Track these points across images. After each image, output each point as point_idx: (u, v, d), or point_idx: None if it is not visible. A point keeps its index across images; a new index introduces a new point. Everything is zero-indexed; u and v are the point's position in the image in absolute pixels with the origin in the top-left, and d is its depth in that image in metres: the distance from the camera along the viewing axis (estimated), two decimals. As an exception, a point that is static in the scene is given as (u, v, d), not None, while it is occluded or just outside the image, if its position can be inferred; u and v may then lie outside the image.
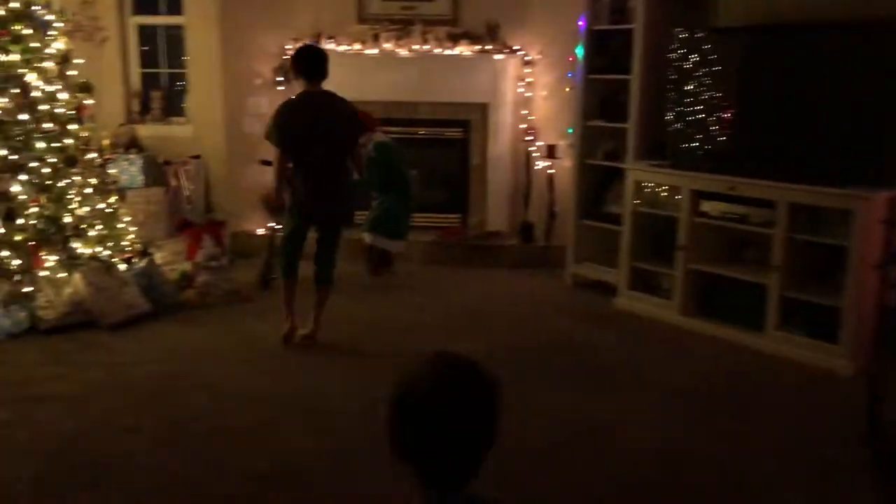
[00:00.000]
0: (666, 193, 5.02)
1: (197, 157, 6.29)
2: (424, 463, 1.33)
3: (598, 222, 5.63)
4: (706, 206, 4.72)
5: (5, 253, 4.52)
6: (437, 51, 6.27)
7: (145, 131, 6.45)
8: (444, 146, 6.70)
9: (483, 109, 6.46)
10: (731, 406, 3.83)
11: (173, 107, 6.64)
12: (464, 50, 6.26)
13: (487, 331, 4.78)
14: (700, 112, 4.78)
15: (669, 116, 4.93)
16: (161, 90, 6.58)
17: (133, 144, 6.36)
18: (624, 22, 5.32)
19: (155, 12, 6.56)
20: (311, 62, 4.28)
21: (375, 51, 6.33)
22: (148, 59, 6.64)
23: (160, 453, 3.23)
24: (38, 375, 3.98)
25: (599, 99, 5.59)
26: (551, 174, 6.09)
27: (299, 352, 4.38)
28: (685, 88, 4.83)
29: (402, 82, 6.41)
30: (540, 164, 6.30)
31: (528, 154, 6.32)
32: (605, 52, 5.49)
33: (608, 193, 5.63)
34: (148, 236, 5.90)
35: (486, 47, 6.24)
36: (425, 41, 6.29)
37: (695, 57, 4.76)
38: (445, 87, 6.40)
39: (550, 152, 6.04)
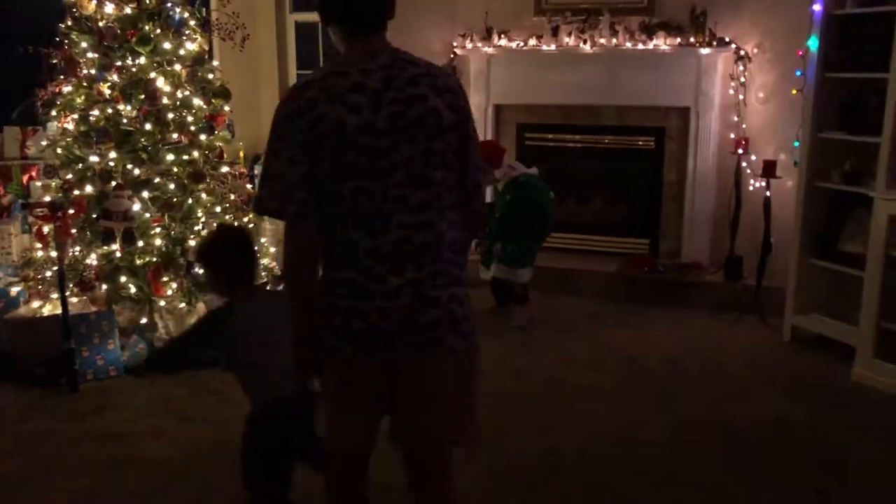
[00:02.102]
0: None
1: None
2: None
3: (829, 262, 4.36)
4: None
5: (123, 278, 4.08)
6: (628, 45, 5.24)
7: (299, 139, 5.93)
8: (632, 158, 5.66)
9: (683, 115, 5.35)
10: None
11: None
12: (661, 43, 5.18)
13: (672, 402, 3.73)
14: None
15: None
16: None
17: (286, 153, 5.86)
18: (879, 3, 4.04)
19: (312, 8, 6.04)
20: None
21: (553, 47, 5.40)
22: (306, 60, 6.14)
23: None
24: (138, 429, 3.45)
25: (839, 104, 4.32)
26: (768, 197, 4.87)
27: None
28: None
29: (584, 83, 5.46)
30: (754, 184, 5.11)
31: (739, 171, 5.14)
32: (851, 43, 4.22)
33: (845, 226, 4.35)
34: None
35: (689, 40, 5.13)
36: (614, 34, 5.28)
37: None
38: (636, 88, 5.36)
39: (768, 170, 4.82)
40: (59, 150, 4.19)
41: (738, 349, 4.43)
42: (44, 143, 4.24)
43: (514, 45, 5.53)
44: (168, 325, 4.10)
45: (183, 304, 4.12)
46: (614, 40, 5.27)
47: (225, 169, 4.40)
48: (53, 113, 4.23)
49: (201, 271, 4.09)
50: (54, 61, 4.09)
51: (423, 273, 1.88)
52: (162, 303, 4.11)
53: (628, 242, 5.69)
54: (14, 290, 4.25)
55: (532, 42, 5.47)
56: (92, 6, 4.02)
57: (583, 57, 5.38)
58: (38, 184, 4.34)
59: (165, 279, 4.12)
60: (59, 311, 3.92)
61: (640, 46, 5.23)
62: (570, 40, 5.37)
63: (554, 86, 5.55)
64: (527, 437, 3.37)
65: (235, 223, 4.40)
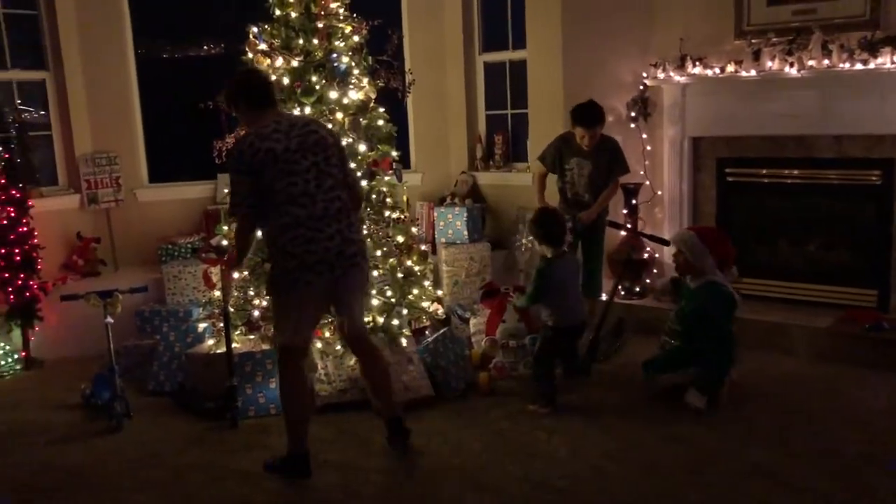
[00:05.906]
0: None
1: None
2: None
3: None
4: None
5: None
6: (845, 65, 4.54)
7: (484, 179, 5.88)
8: (854, 194, 4.90)
9: (917, 144, 4.54)
10: None
11: (519, 152, 5.95)
12: (887, 62, 4.43)
13: (864, 491, 3.07)
14: None
15: None
16: (503, 133, 5.94)
17: (472, 194, 5.84)
18: None
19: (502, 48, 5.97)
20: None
21: (753, 72, 4.84)
22: (494, 100, 6.08)
23: None
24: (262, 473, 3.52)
25: None
26: None
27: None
28: None
29: (794, 110, 4.85)
30: None
31: None
32: None
33: None
34: (468, 299, 5.30)
35: (923, 55, 4.33)
36: (827, 54, 4.61)
37: None
38: (857, 114, 4.65)
39: None
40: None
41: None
42: (225, 190, 4.56)
43: (709, 72, 5.04)
44: (328, 366, 4.19)
45: (339, 346, 4.18)
46: (826, 61, 4.60)
47: (389, 212, 4.43)
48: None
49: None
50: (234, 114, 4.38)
51: (343, 225, 3.27)
52: (319, 344, 4.20)
53: (850, 293, 4.90)
54: (201, 326, 4.58)
55: (730, 68, 4.95)
56: (266, 62, 4.27)
57: (790, 81, 4.76)
58: (225, 227, 4.65)
59: (322, 321, 4.20)
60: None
61: (860, 66, 4.50)
62: (773, 64, 4.77)
63: (758, 115, 4.97)
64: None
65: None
